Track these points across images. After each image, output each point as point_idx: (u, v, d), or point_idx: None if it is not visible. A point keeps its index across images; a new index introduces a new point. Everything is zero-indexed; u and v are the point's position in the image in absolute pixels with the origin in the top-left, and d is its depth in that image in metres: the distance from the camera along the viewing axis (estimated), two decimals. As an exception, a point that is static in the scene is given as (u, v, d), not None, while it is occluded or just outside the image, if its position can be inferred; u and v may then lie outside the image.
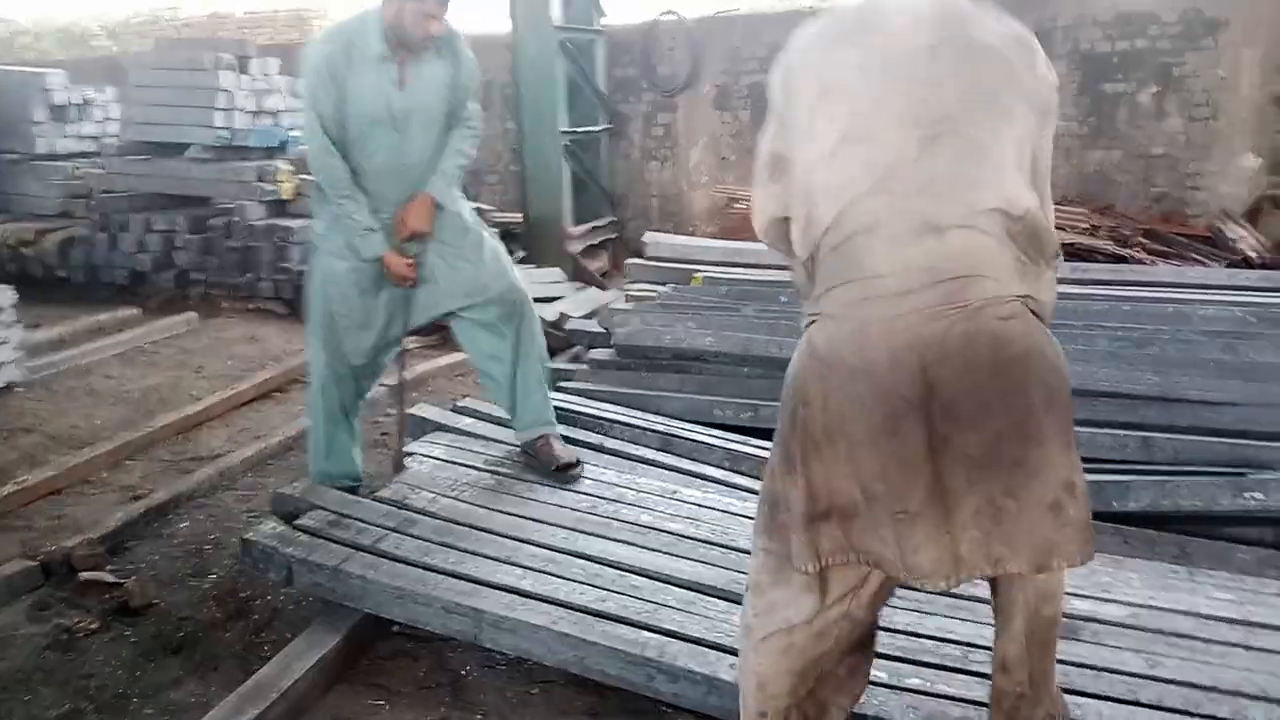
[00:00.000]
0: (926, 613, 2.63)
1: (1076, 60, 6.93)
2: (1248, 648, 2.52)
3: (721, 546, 2.96)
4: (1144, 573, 2.92)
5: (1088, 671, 2.39)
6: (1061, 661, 2.30)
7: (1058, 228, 5.63)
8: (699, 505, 3.24)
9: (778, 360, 4.30)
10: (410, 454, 3.47)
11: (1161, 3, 6.74)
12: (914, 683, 2.34)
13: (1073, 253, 6.05)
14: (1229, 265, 5.82)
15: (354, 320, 3.28)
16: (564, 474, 3.40)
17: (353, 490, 3.39)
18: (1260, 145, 6.69)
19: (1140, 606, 2.70)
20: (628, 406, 4.12)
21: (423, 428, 3.76)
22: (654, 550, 2.90)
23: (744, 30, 7.75)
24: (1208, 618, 2.64)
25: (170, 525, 3.42)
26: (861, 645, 2.03)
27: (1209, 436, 3.59)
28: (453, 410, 3.91)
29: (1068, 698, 2.27)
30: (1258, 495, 3.13)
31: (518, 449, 3.56)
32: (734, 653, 2.41)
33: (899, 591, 2.32)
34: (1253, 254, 5.97)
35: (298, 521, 2.92)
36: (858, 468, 1.70)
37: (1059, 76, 6.24)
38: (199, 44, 7.57)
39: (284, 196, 6.43)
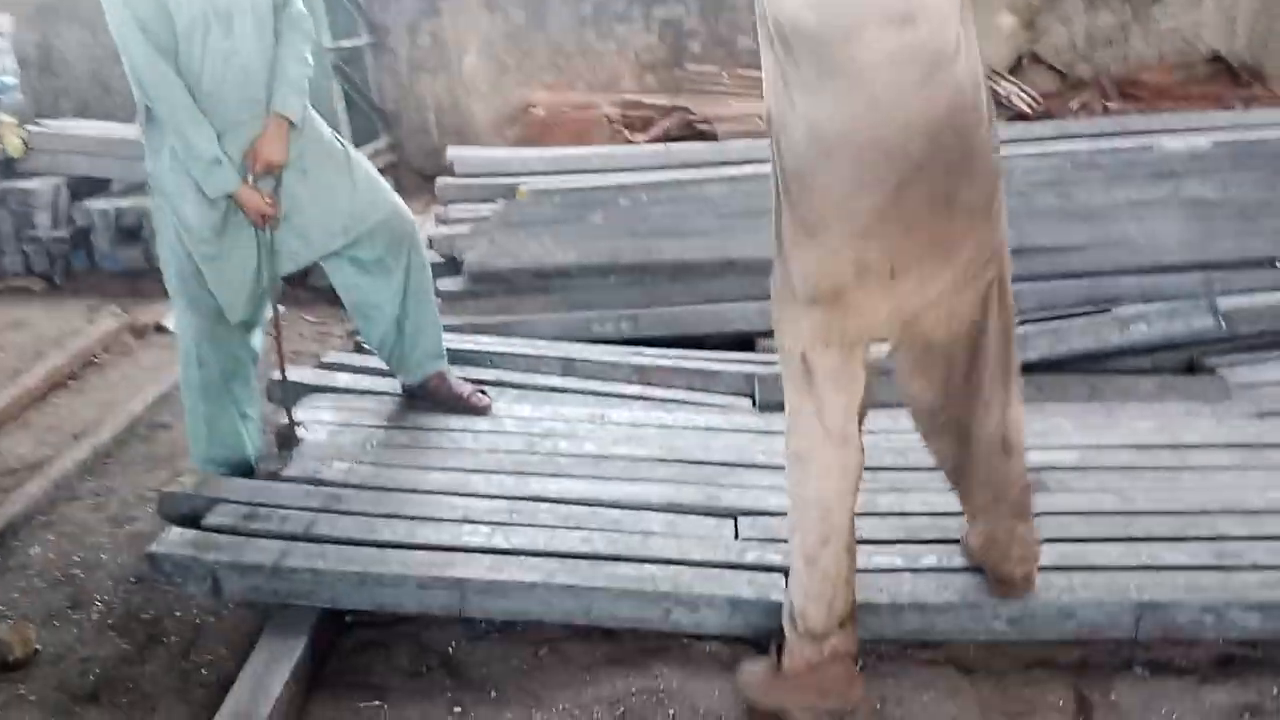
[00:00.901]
0: (903, 490, 2.62)
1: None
2: (1191, 468, 2.70)
3: (678, 462, 2.82)
4: (1069, 416, 3.05)
5: (1074, 517, 2.46)
6: (1045, 514, 2.36)
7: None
8: (635, 425, 3.08)
9: (646, 266, 4.17)
10: (297, 423, 3.05)
11: None
12: (930, 560, 2.32)
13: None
14: (1008, 119, 6.17)
15: (222, 270, 2.79)
16: (474, 408, 3.13)
17: (245, 468, 2.97)
18: (1015, 3, 7.09)
19: (1084, 448, 2.82)
20: (498, 335, 3.85)
21: (293, 393, 3.31)
22: (614, 479, 2.73)
23: (504, -76, 7.28)
24: (1146, 447, 2.80)
25: (16, 555, 2.85)
26: None
27: (1067, 279, 3.82)
28: (320, 368, 3.49)
29: (1062, 547, 2.34)
30: (1142, 327, 3.34)
31: (406, 395, 3.24)
32: (746, 567, 2.32)
33: (872, 474, 2.37)
34: (1026, 108, 6.35)
35: (206, 522, 2.49)
36: (857, 243, 1.84)
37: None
38: None
39: (12, 155, 5.44)
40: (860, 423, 2.04)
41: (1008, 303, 2.04)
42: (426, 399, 3.19)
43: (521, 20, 7.32)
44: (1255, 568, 2.22)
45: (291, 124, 2.80)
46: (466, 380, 3.31)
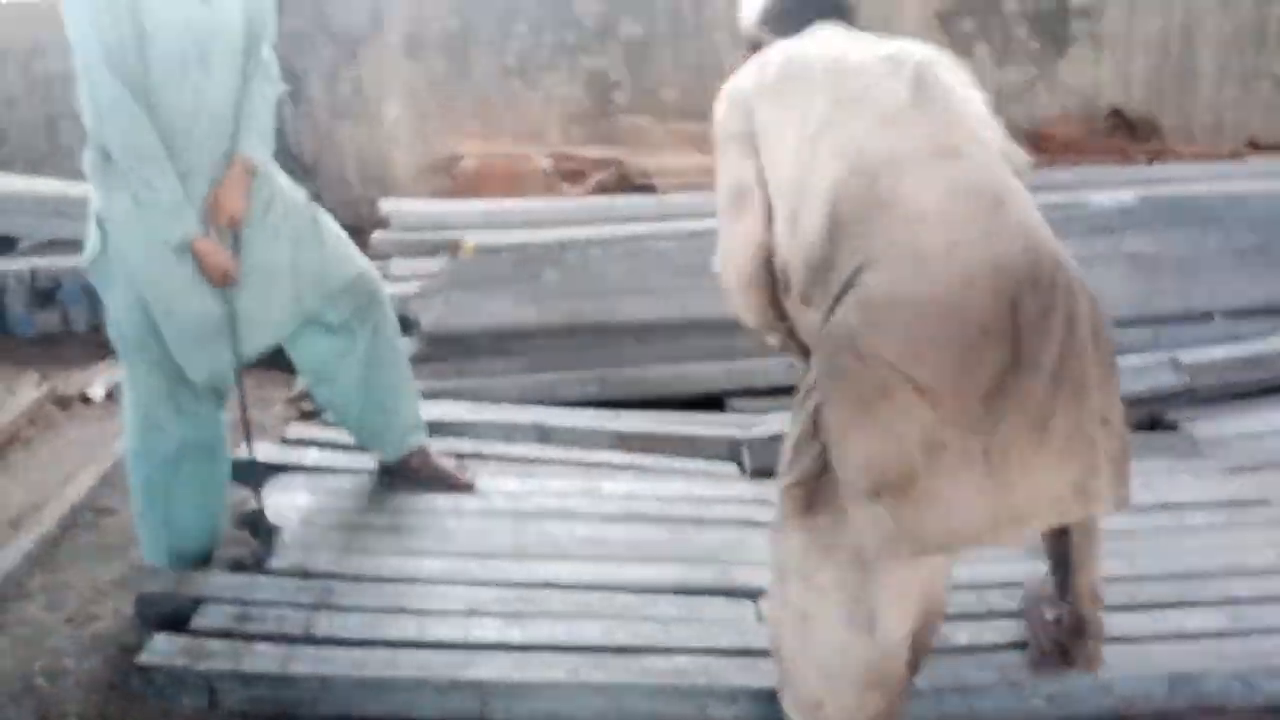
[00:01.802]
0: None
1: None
2: (1187, 529, 2.77)
3: (681, 539, 2.76)
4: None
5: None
6: None
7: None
8: (630, 498, 3.01)
9: (608, 326, 4.11)
10: (267, 507, 2.87)
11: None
12: (964, 638, 2.31)
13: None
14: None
15: (182, 325, 2.55)
16: (460, 486, 3.01)
17: (203, 556, 2.77)
18: (929, 60, 7.34)
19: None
20: (456, 399, 3.74)
21: (261, 474, 3.12)
22: (621, 560, 2.65)
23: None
24: (1141, 508, 2.85)
25: (-35, 667, 2.59)
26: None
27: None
28: (285, 443, 3.30)
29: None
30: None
31: (383, 473, 3.08)
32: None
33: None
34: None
35: (195, 625, 2.31)
36: (923, 417, 1.60)
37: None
38: None
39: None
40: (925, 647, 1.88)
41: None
42: (407, 477, 3.03)
43: (444, 68, 7.21)
44: (1271, 631, 2.27)
45: (255, 171, 2.63)
46: (448, 454, 3.18)
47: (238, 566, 2.83)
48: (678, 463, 3.31)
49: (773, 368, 3.90)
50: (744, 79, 1.99)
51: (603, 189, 6.25)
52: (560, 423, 3.49)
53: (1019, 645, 2.24)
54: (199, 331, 2.60)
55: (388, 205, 5.53)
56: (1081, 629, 2.13)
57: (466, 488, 3.02)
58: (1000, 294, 1.61)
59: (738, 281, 1.97)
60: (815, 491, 1.81)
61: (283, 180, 2.81)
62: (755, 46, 2.14)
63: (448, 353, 4.08)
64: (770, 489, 3.04)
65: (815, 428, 1.77)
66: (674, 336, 4.10)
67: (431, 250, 4.98)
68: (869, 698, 1.82)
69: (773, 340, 2.13)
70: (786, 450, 1.92)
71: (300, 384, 4.32)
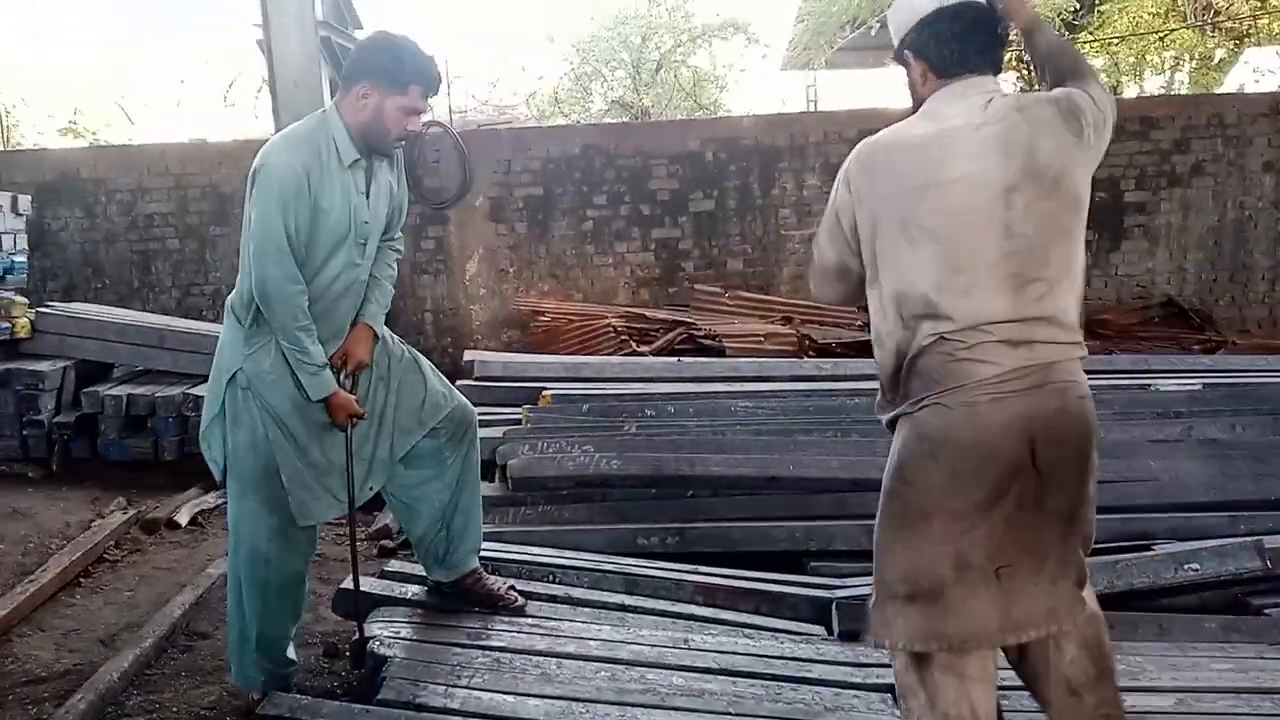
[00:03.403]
0: None
1: (828, 172, 7.54)
2: (1288, 715, 2.74)
3: (779, 696, 2.76)
4: (1147, 655, 3.10)
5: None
6: None
7: (837, 325, 6.10)
8: (719, 652, 3.02)
9: (689, 479, 4.20)
10: (370, 638, 2.93)
11: (898, 119, 7.53)
12: None
13: (865, 349, 6.50)
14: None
15: (304, 475, 2.79)
16: (510, 608, 3.16)
17: (287, 677, 2.90)
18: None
19: (1177, 691, 2.85)
20: (540, 546, 3.80)
21: (353, 604, 3.19)
22: (718, 714, 2.65)
23: (513, 144, 7.67)
24: (1240, 692, 2.85)
25: (69, 783, 2.61)
26: None
27: (1101, 514, 3.95)
28: (384, 576, 3.37)
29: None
30: (1194, 566, 3.45)
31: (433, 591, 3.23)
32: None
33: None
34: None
35: (313, 752, 2.34)
36: (956, 540, 1.91)
37: (813, 189, 6.78)
38: None
39: (19, 335, 5.34)
40: None
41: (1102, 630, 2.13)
42: (459, 596, 3.17)
43: (524, 231, 7.62)
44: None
45: (378, 336, 2.94)
46: (533, 596, 3.26)
47: (330, 695, 2.89)
48: (765, 620, 3.33)
49: (852, 530, 3.96)
50: (872, 163, 2.06)
51: (671, 349, 6.47)
52: (643, 572, 3.53)
53: None
54: (316, 482, 2.83)
55: (472, 355, 5.74)
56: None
57: (518, 610, 3.15)
58: (1030, 440, 1.91)
59: (819, 289, 2.25)
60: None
61: (385, 331, 3.06)
62: (900, 61, 2.17)
63: (531, 497, 4.18)
64: (860, 652, 3.09)
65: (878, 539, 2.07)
66: (752, 492, 4.18)
67: (512, 399, 5.15)
68: None
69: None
70: None
71: (380, 521, 4.45)
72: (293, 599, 2.90)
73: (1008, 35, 2.17)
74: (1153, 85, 14.18)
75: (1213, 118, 7.60)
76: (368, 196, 2.76)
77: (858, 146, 2.11)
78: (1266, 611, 3.44)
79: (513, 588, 3.25)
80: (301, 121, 2.78)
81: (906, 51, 2.14)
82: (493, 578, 3.26)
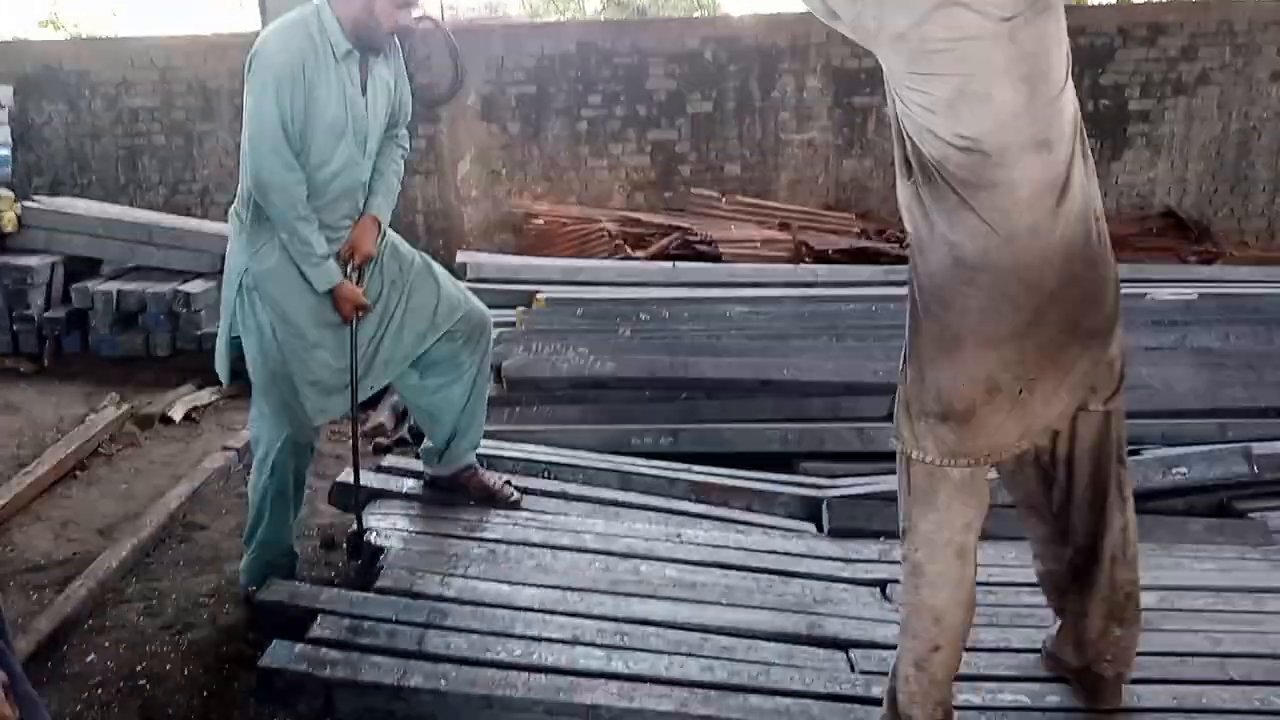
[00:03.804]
0: (980, 625, 2.65)
1: (829, 75, 7.39)
2: (1267, 613, 2.80)
3: (770, 589, 2.81)
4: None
5: (1173, 658, 2.52)
6: (1145, 654, 2.43)
7: (834, 232, 6.08)
8: (713, 546, 3.07)
9: (683, 381, 4.21)
10: (368, 529, 2.96)
11: (901, 23, 7.35)
12: (1007, 699, 2.34)
13: (862, 256, 6.46)
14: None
15: (314, 369, 2.80)
16: (506, 501, 3.22)
17: (290, 567, 2.95)
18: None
19: (1161, 589, 2.90)
20: (536, 444, 3.83)
21: (351, 497, 3.22)
22: (713, 604, 2.70)
23: (505, 40, 7.47)
24: (1220, 590, 2.90)
25: (71, 663, 2.65)
26: None
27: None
28: (381, 471, 3.39)
29: (1174, 689, 2.39)
30: (1183, 470, 3.50)
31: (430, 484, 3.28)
32: (875, 702, 2.30)
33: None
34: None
35: (312, 635, 2.38)
36: (990, 364, 1.95)
37: (813, 92, 6.64)
38: None
39: (6, 229, 5.27)
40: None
41: (1122, 421, 2.19)
42: (456, 490, 3.22)
43: (517, 132, 7.47)
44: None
45: (383, 229, 2.92)
46: (528, 492, 3.31)
47: (327, 584, 2.94)
48: (755, 517, 3.37)
49: (844, 432, 3.99)
50: None
51: (666, 254, 6.41)
52: (638, 470, 3.56)
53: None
54: (325, 376, 2.83)
55: (464, 257, 5.69)
56: (1080, 650, 2.29)
57: (515, 504, 3.21)
58: (1065, 268, 1.92)
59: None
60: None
61: (400, 241, 3.05)
62: None
63: (528, 398, 4.19)
64: (849, 548, 3.13)
65: (914, 358, 2.07)
66: (746, 395, 4.19)
67: (506, 301, 5.12)
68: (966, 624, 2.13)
69: None
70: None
71: (374, 419, 4.46)
72: (294, 502, 2.93)
73: None
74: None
75: (1222, 24, 7.42)
76: (364, 93, 2.73)
77: None
78: (1251, 515, 3.49)
79: (509, 482, 3.29)
80: (294, 11, 2.70)
81: None
82: (489, 472, 3.30)
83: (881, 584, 2.89)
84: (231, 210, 2.83)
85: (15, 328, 5.07)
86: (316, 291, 2.75)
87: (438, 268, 3.11)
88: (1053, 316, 1.93)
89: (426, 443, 3.27)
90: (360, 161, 2.77)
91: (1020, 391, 1.97)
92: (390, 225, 2.98)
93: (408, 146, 3.04)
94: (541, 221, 6.82)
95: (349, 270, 2.80)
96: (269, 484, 2.82)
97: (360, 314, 2.83)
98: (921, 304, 2.02)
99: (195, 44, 7.48)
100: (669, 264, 5.98)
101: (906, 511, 2.14)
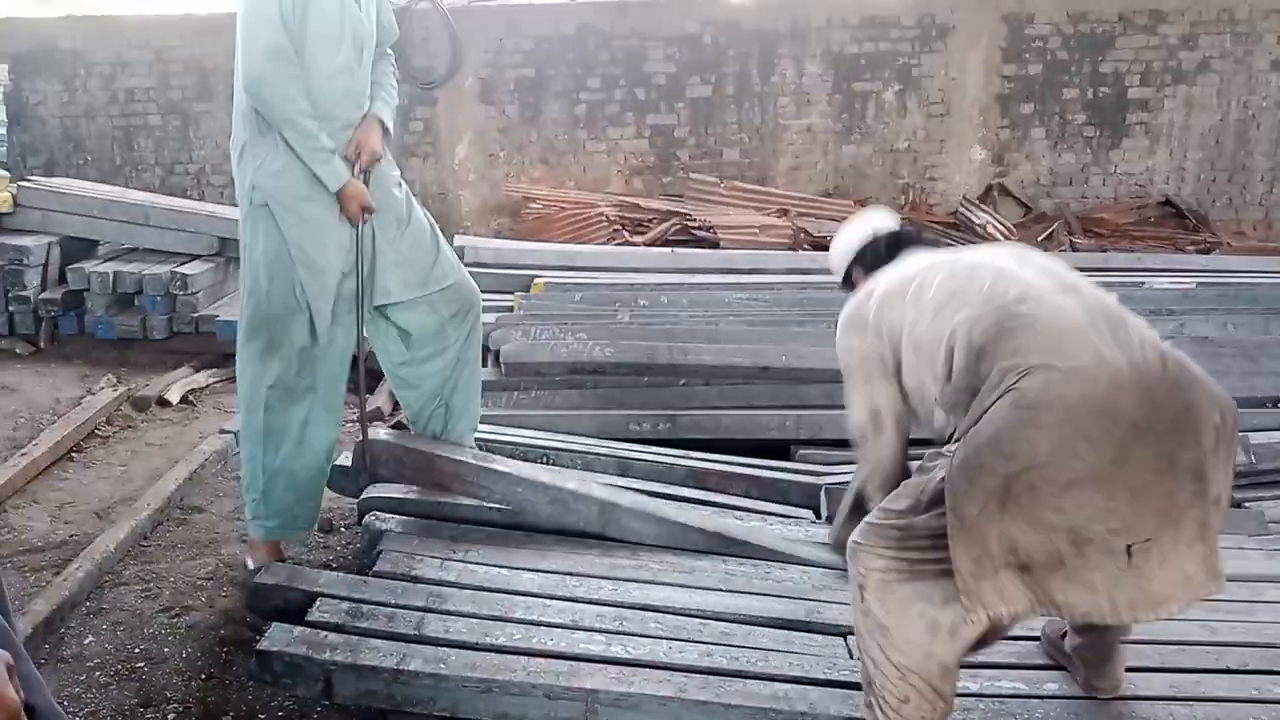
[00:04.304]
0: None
1: (829, 61, 7.36)
2: (1264, 602, 2.81)
3: (769, 576, 2.82)
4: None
5: (1170, 647, 2.53)
6: (1140, 641, 2.45)
7: (833, 219, 6.14)
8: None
9: (681, 367, 4.20)
10: (368, 512, 2.96)
11: (902, 6, 7.34)
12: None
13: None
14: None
15: (321, 275, 2.78)
16: None
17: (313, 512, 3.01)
18: (986, 138, 7.52)
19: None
20: (534, 429, 3.82)
21: (354, 481, 3.21)
22: (711, 589, 2.70)
23: (504, 22, 7.42)
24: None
25: (69, 645, 2.65)
26: None
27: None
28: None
29: (1171, 677, 2.41)
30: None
31: None
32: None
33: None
34: (999, 235, 6.68)
35: (311, 618, 2.38)
36: (1072, 514, 1.72)
37: (813, 77, 6.68)
38: None
39: (1, 210, 5.24)
40: None
41: None
42: None
43: (515, 115, 7.44)
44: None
45: (386, 129, 2.89)
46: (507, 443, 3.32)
47: (325, 568, 2.94)
48: (754, 504, 3.38)
49: (841, 419, 3.98)
50: (858, 303, 2.33)
51: (665, 240, 6.40)
52: (636, 456, 3.56)
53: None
54: (331, 282, 2.81)
55: (462, 240, 5.67)
56: (1085, 655, 2.27)
57: None
58: (1145, 395, 1.75)
59: (882, 485, 2.32)
60: (912, 530, 1.93)
61: (409, 196, 3.03)
62: (848, 282, 2.62)
63: (525, 383, 4.18)
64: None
65: (932, 492, 1.91)
66: (744, 381, 4.19)
67: (504, 286, 5.11)
68: (946, 687, 1.94)
69: None
70: (899, 492, 2.05)
71: (372, 403, 4.45)
72: (299, 437, 2.87)
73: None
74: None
75: (1223, 13, 7.40)
76: (359, 2, 2.76)
77: (841, 322, 2.39)
78: (1247, 504, 3.50)
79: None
80: None
81: (854, 269, 2.60)
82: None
83: (879, 571, 2.90)
84: (230, 141, 2.84)
85: (11, 309, 5.04)
86: (328, 191, 2.73)
87: (440, 236, 3.11)
88: (1140, 453, 1.71)
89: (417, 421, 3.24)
90: (356, 69, 2.78)
91: (1129, 548, 1.72)
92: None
93: (394, 66, 3.04)
94: (539, 206, 6.80)
95: (355, 170, 2.79)
96: (262, 433, 2.82)
97: (366, 216, 2.81)
98: (977, 461, 1.78)
99: (191, 23, 7.42)
100: (667, 249, 5.98)
101: (895, 598, 1.92)
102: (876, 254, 2.52)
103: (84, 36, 7.30)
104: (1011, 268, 2.05)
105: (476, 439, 3.31)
